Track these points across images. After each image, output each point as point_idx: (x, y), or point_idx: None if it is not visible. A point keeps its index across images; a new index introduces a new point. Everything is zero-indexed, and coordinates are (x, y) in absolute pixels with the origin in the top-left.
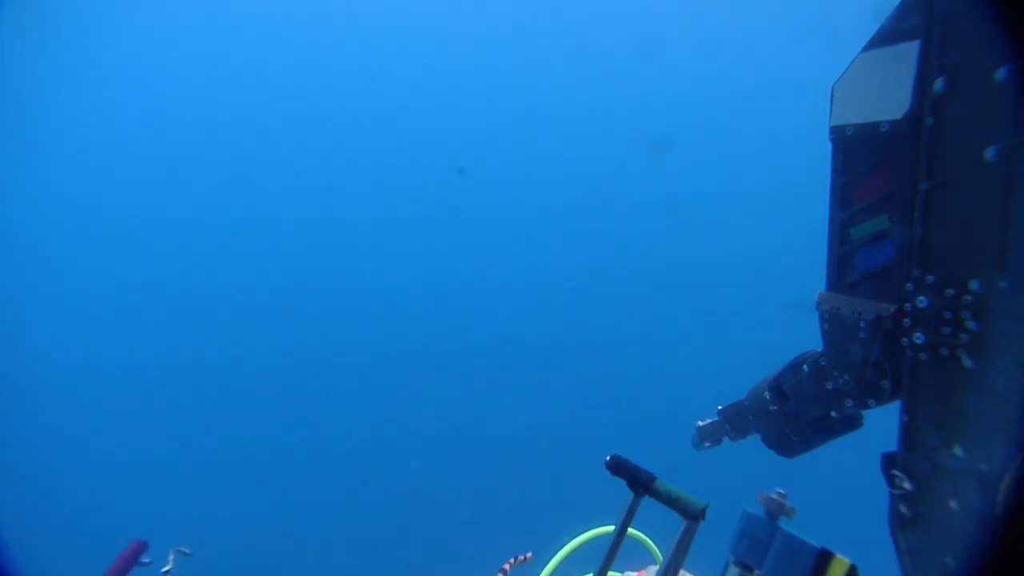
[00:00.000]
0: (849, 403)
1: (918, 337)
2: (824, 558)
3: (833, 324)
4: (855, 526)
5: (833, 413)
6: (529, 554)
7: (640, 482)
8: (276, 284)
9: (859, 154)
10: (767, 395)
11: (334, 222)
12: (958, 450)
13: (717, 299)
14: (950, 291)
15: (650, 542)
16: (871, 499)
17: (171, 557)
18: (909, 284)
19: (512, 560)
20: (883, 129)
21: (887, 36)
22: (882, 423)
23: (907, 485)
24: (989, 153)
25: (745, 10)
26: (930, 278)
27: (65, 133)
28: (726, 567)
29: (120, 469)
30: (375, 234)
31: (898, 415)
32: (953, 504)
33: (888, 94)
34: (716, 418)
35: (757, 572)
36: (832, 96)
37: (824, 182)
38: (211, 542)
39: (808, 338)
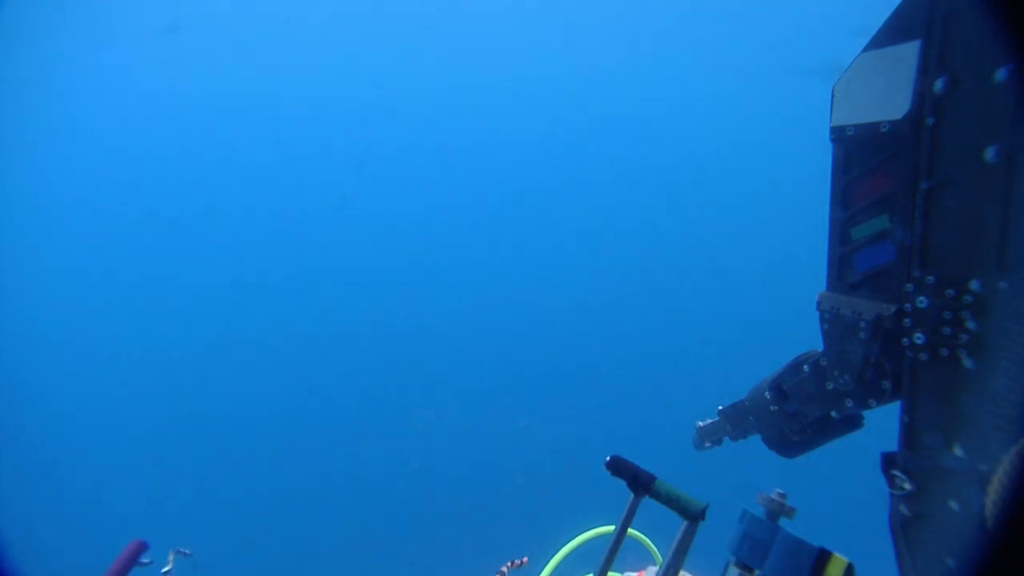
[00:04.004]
0: (849, 403)
1: (918, 337)
2: (823, 557)
3: (833, 324)
4: (855, 526)
5: (833, 413)
6: (526, 558)
7: (640, 482)
8: (277, 283)
9: (860, 154)
10: (768, 395)
11: (334, 220)
12: (958, 450)
13: (718, 299)
14: (950, 291)
15: (650, 542)
16: (871, 499)
17: (171, 557)
18: (909, 284)
19: (509, 563)
20: (884, 129)
21: (887, 36)
22: (882, 423)
23: (907, 485)
24: (989, 153)
25: (746, 10)
26: (930, 278)
27: (64, 133)
28: (726, 567)
29: (120, 469)
30: (376, 233)
31: (898, 415)
32: (953, 504)
33: (888, 94)
34: (717, 418)
35: (757, 572)
36: (832, 96)
37: (824, 182)
38: (211, 542)
39: (808, 338)
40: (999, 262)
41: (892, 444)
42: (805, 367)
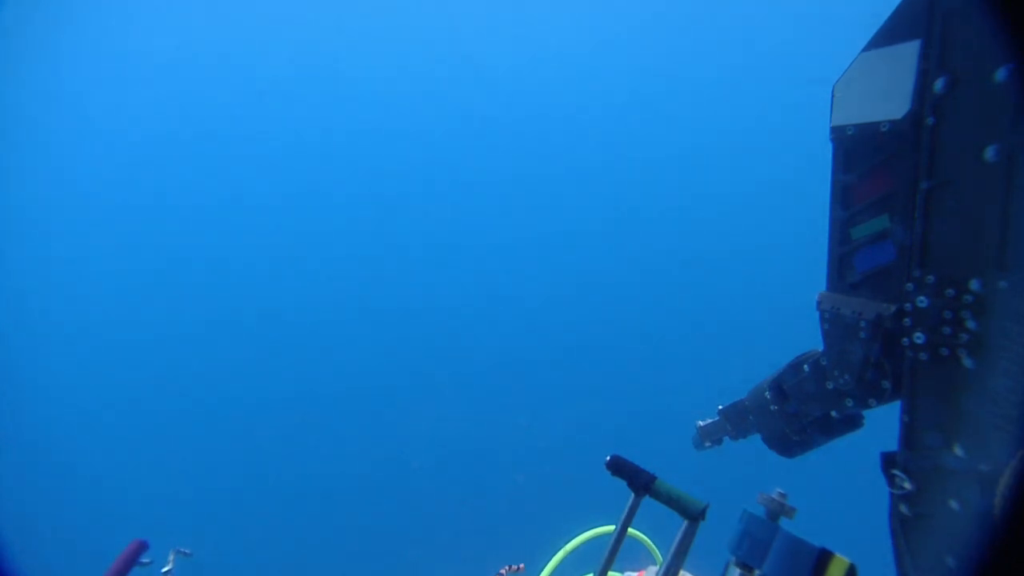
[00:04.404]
0: (849, 403)
1: (918, 337)
2: (824, 558)
3: (834, 324)
4: (855, 526)
5: (833, 413)
6: (522, 565)
7: (640, 482)
8: (279, 285)
9: (860, 154)
10: (768, 395)
11: (339, 224)
12: (958, 450)
13: (718, 299)
14: (950, 291)
15: (650, 542)
16: (871, 499)
17: (171, 557)
18: (909, 284)
19: (506, 568)
20: (884, 129)
21: (887, 36)
22: (882, 423)
23: (907, 485)
24: (989, 153)
25: (745, 9)
26: (930, 278)
27: (62, 130)
28: (726, 567)
29: (121, 468)
30: (380, 237)
31: (898, 415)
32: (953, 504)
33: (888, 94)
34: (717, 418)
35: (757, 572)
36: (832, 96)
37: (825, 182)
38: (211, 542)
39: (808, 338)
40: (999, 262)
41: (892, 444)
42: (805, 367)
